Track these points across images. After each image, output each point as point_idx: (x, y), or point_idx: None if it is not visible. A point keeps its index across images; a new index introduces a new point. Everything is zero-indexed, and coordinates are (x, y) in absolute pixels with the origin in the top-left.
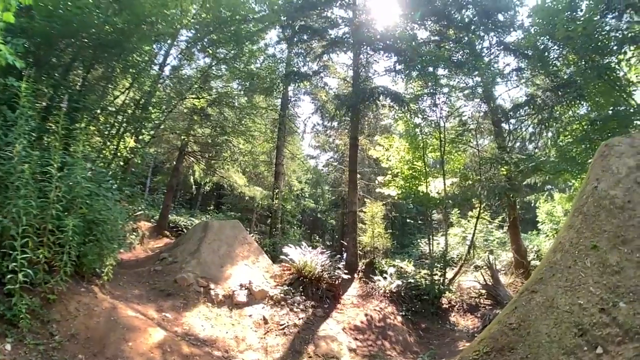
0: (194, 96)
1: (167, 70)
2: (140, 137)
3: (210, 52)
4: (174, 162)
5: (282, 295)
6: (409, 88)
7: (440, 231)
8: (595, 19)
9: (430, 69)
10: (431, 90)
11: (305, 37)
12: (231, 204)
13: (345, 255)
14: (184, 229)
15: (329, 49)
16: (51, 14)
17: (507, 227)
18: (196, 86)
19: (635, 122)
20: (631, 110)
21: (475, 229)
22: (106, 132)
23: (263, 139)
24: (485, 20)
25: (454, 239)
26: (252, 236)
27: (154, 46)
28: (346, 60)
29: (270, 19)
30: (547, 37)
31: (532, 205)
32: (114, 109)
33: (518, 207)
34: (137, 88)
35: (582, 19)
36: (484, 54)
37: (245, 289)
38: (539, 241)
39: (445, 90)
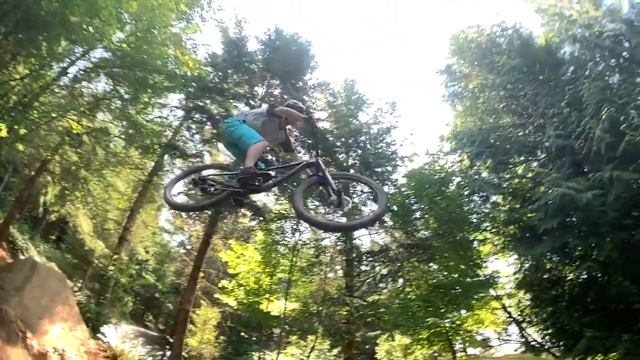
0: (75, 118)
1: (66, 78)
2: (15, 128)
3: (113, 83)
4: (33, 172)
5: None
6: (277, 204)
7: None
8: (464, 193)
9: None
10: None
11: (201, 117)
12: (71, 244)
13: (169, 353)
14: (20, 251)
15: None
16: None
17: None
18: (83, 109)
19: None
20: (478, 281)
21: (309, 356)
22: None
23: (118, 196)
24: (363, 168)
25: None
26: (79, 294)
27: (65, 48)
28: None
29: (177, 83)
30: (415, 200)
31: (373, 341)
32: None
33: (359, 339)
34: (30, 80)
35: (448, 194)
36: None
37: (59, 355)
38: None
39: None
